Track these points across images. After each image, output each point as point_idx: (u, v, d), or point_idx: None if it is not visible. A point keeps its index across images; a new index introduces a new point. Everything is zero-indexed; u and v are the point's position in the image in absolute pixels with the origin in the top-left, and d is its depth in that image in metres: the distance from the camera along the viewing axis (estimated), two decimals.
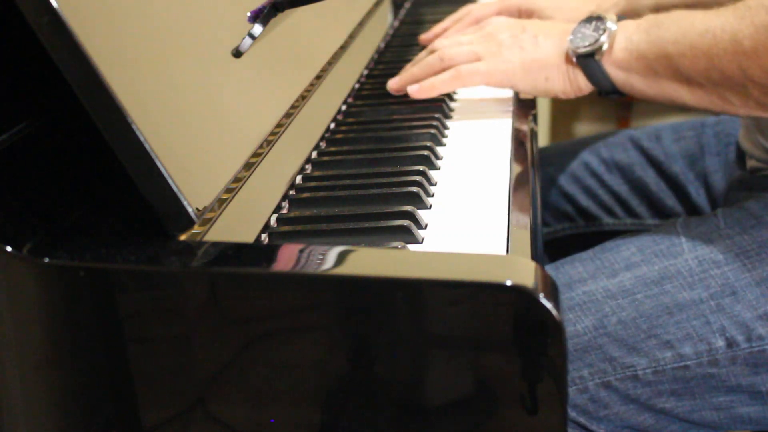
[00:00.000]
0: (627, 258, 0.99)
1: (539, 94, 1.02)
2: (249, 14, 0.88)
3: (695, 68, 0.90)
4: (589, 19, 0.97)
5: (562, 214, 1.36)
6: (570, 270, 1.01)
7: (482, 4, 1.26)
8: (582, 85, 0.99)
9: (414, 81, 1.06)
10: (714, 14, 0.88)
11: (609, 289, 0.97)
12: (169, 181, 0.64)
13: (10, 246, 0.62)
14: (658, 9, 1.30)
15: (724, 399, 0.95)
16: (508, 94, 1.12)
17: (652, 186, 1.31)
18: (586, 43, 0.95)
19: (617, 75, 0.96)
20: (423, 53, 1.09)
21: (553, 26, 1.02)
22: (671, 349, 0.94)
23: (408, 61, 1.24)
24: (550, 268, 1.02)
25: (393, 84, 1.08)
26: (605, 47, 0.95)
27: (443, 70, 1.04)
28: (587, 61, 0.96)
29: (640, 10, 1.27)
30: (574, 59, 0.97)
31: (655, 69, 0.93)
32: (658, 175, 1.31)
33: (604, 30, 0.95)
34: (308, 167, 0.92)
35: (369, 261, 0.64)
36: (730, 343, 0.93)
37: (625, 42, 0.95)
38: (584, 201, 1.34)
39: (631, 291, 0.96)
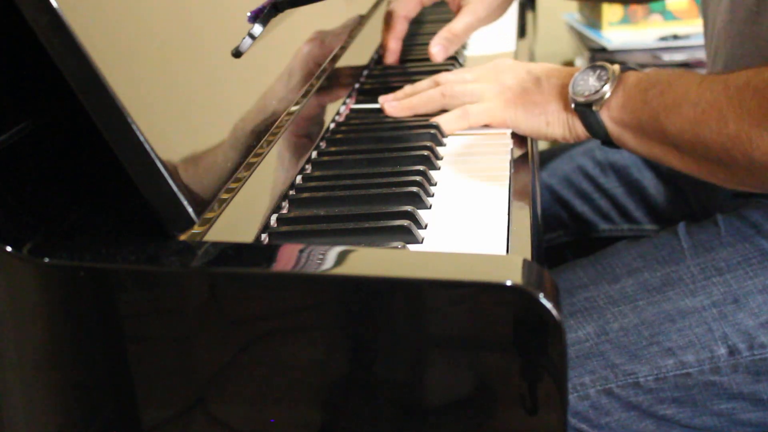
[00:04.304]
0: (628, 264, 0.99)
1: (541, 137, 1.00)
2: (249, 14, 0.88)
3: (682, 139, 0.88)
4: (593, 67, 0.95)
5: (557, 221, 1.35)
6: (571, 275, 1.00)
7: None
8: (580, 132, 0.97)
9: (413, 112, 1.04)
10: (708, 85, 0.87)
11: (611, 295, 0.97)
12: (169, 181, 0.64)
13: (10, 246, 0.62)
14: None
15: (725, 406, 0.95)
16: None
17: (650, 189, 1.30)
18: (585, 93, 0.93)
19: (612, 128, 0.94)
20: (425, 83, 1.06)
21: (556, 70, 1.00)
22: (673, 357, 0.93)
23: (408, 61, 1.24)
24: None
25: (391, 110, 1.05)
26: (605, 97, 0.92)
27: (443, 105, 1.03)
28: (585, 110, 0.94)
29: None
30: (572, 105, 0.95)
31: (646, 130, 0.91)
32: (657, 177, 1.30)
33: (606, 81, 0.93)
34: (308, 167, 0.92)
35: (369, 261, 0.64)
36: (732, 351, 0.93)
37: (622, 98, 0.93)
38: (579, 206, 1.33)
39: (633, 297, 0.96)
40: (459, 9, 1.22)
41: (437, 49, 1.18)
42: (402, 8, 1.23)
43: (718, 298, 0.94)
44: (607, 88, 0.92)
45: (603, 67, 0.94)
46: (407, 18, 1.24)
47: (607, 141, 0.96)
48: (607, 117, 0.94)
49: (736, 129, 0.83)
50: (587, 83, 0.94)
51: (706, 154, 0.87)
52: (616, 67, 0.94)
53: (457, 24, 1.19)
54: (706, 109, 0.85)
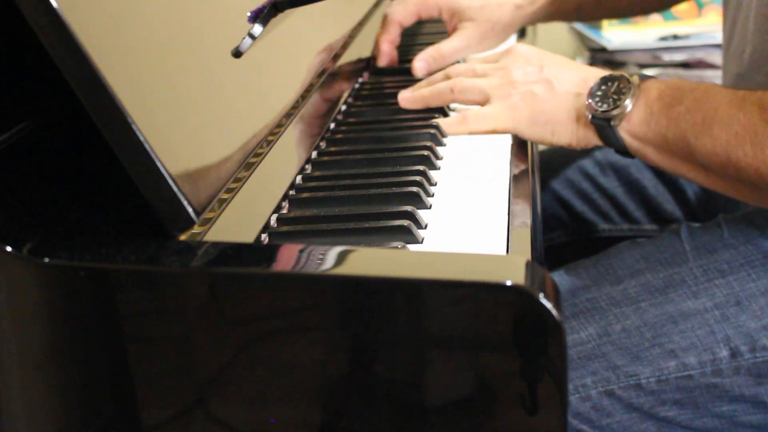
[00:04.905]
0: (631, 265, 0.99)
1: (544, 144, 0.98)
2: (249, 14, 0.88)
3: (712, 160, 0.86)
4: (611, 78, 0.92)
5: (556, 221, 1.35)
6: (573, 276, 1.00)
7: (399, 6, 1.23)
8: (592, 141, 0.94)
9: (425, 104, 1.04)
10: (738, 104, 0.84)
11: (613, 297, 0.97)
12: (169, 181, 0.64)
13: (10, 246, 0.62)
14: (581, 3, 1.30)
15: (727, 408, 0.95)
16: None
17: (650, 189, 1.30)
18: (604, 108, 0.90)
19: (632, 143, 0.91)
20: (438, 75, 1.06)
21: (572, 72, 0.97)
22: (675, 359, 0.93)
23: (408, 61, 1.24)
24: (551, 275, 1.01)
25: (404, 102, 1.05)
26: (626, 111, 0.89)
27: (453, 100, 1.02)
28: (602, 124, 0.91)
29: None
30: (589, 116, 0.92)
31: (671, 149, 0.89)
32: (657, 177, 1.30)
33: (625, 94, 0.89)
34: (308, 167, 0.92)
35: (369, 261, 0.64)
36: (734, 353, 0.93)
37: (644, 113, 0.89)
38: (579, 206, 1.32)
39: (635, 299, 0.96)
40: (454, 30, 1.23)
41: (420, 64, 1.18)
42: (398, 14, 1.23)
43: (721, 300, 0.94)
44: (628, 103, 0.90)
45: (623, 79, 0.91)
46: (401, 24, 1.23)
47: (624, 153, 0.94)
48: (626, 132, 0.91)
49: None
50: (606, 96, 0.91)
51: (736, 175, 0.85)
52: (636, 79, 0.91)
53: (446, 45, 1.20)
54: (739, 131, 0.83)
